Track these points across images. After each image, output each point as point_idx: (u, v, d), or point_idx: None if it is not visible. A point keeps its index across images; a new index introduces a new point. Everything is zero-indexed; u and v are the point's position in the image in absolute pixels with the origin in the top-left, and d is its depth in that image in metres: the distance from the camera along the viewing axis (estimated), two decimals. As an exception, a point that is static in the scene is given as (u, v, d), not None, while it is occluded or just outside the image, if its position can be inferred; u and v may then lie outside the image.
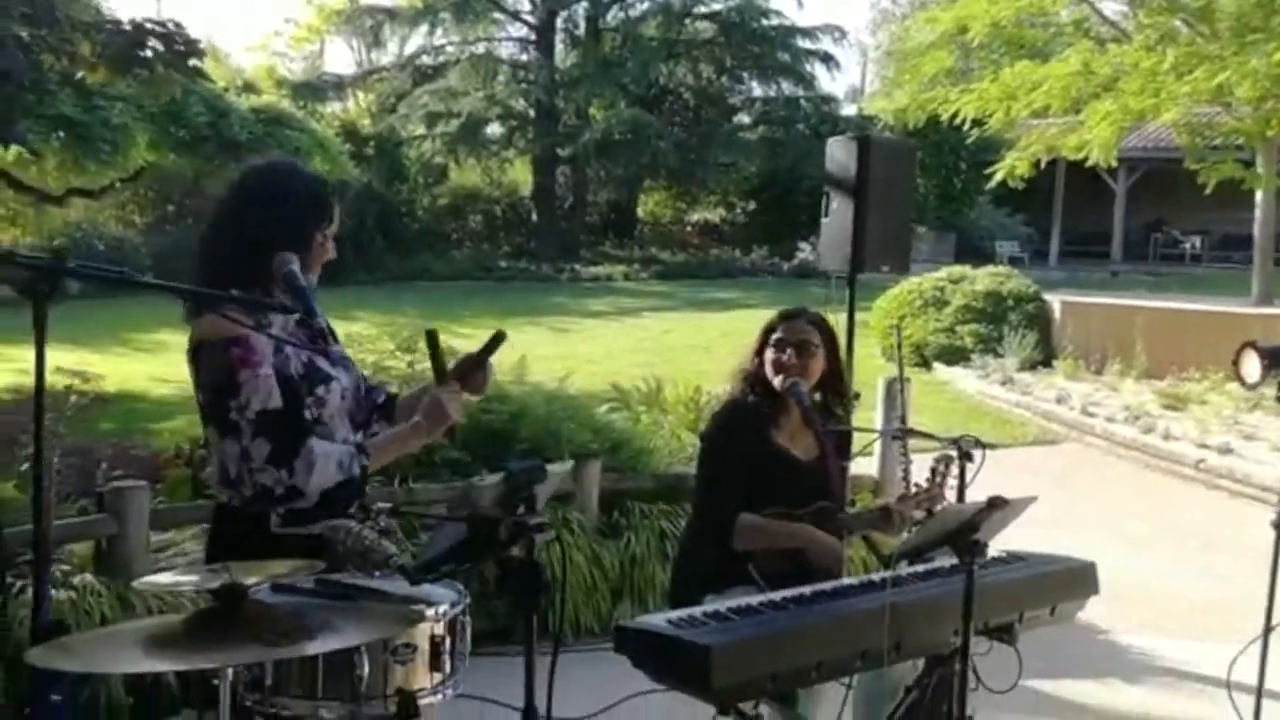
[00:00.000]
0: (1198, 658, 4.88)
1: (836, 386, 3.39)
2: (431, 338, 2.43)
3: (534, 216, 26.67)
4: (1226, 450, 8.72)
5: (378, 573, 1.90)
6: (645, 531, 5.08)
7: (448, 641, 2.02)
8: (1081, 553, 3.36)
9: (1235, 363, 3.47)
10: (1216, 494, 8.30)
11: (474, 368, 2.48)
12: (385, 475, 4.54)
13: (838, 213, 4.89)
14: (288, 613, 1.70)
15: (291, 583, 2.02)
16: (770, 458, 3.23)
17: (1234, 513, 7.86)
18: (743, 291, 19.82)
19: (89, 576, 4.10)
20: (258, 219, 2.31)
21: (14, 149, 10.59)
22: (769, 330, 3.32)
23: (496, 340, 2.49)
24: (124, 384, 9.51)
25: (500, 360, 2.64)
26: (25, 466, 4.78)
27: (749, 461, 3.20)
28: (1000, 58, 15.40)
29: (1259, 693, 3.39)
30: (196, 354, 2.29)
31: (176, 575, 1.91)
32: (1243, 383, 3.50)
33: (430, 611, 1.99)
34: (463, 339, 8.18)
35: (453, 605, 2.07)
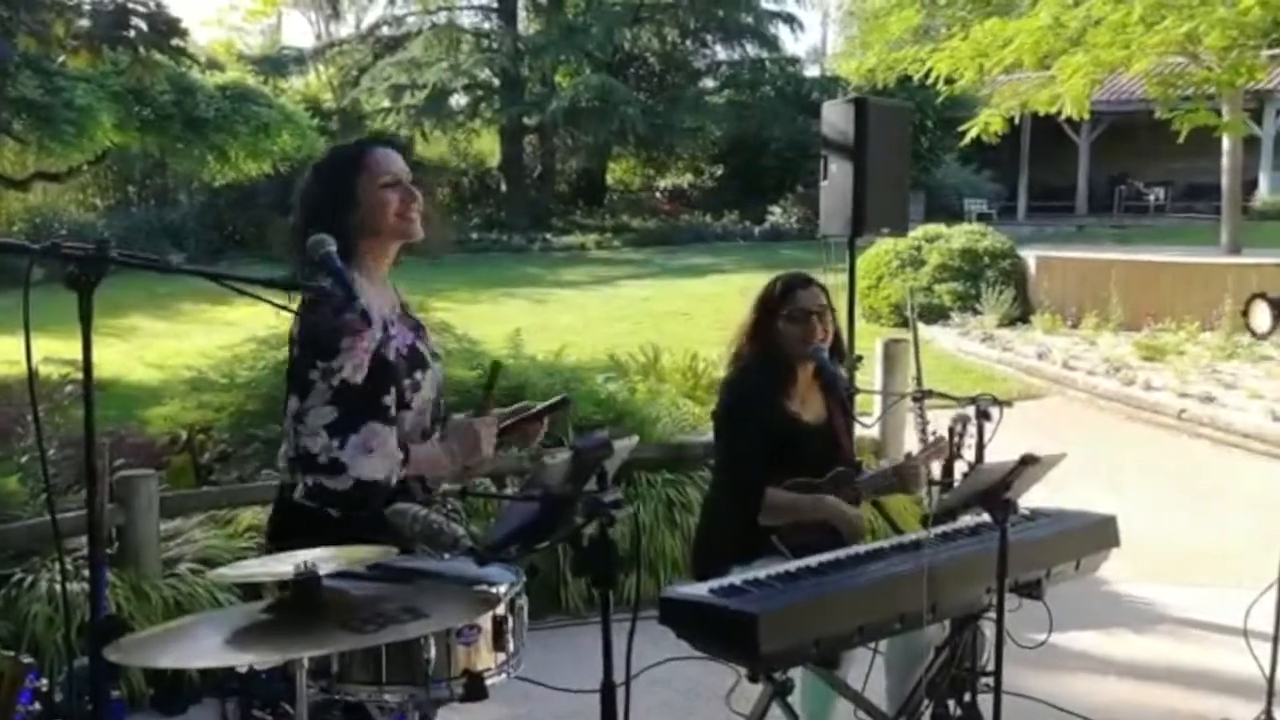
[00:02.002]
0: (1198, 605, 4.98)
1: (837, 350, 3.41)
2: (494, 369, 2.50)
3: (503, 187, 26.46)
4: (1208, 399, 8.85)
5: (447, 555, 1.89)
6: (653, 501, 5.09)
7: (509, 621, 2.02)
8: (1074, 506, 3.41)
9: (1245, 313, 3.52)
10: (1200, 442, 8.42)
11: (529, 421, 2.54)
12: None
13: (836, 177, 4.89)
14: (365, 599, 1.68)
15: (346, 569, 2.00)
16: (785, 425, 3.24)
17: (1218, 460, 8.00)
18: (716, 257, 19.81)
19: (101, 567, 4.05)
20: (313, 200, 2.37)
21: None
22: (778, 298, 3.30)
23: (561, 404, 2.58)
24: (101, 370, 9.36)
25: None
26: (25, 459, 4.72)
27: (767, 430, 3.20)
28: (968, 15, 15.37)
29: (1276, 639, 3.45)
30: (307, 309, 2.23)
31: (245, 567, 1.89)
32: (1253, 333, 3.55)
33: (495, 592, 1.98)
34: (442, 312, 8.14)
35: (511, 585, 2.06)
